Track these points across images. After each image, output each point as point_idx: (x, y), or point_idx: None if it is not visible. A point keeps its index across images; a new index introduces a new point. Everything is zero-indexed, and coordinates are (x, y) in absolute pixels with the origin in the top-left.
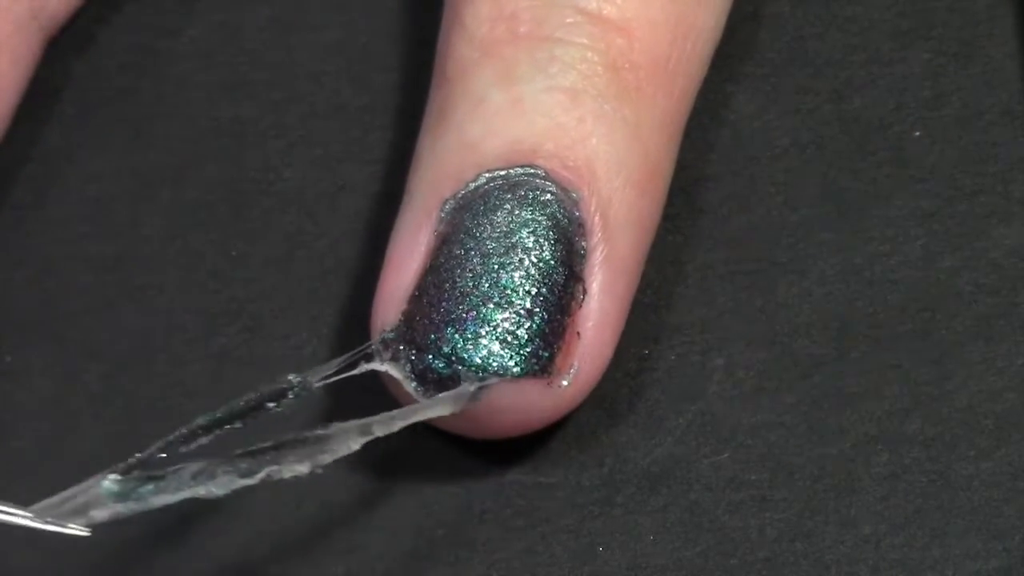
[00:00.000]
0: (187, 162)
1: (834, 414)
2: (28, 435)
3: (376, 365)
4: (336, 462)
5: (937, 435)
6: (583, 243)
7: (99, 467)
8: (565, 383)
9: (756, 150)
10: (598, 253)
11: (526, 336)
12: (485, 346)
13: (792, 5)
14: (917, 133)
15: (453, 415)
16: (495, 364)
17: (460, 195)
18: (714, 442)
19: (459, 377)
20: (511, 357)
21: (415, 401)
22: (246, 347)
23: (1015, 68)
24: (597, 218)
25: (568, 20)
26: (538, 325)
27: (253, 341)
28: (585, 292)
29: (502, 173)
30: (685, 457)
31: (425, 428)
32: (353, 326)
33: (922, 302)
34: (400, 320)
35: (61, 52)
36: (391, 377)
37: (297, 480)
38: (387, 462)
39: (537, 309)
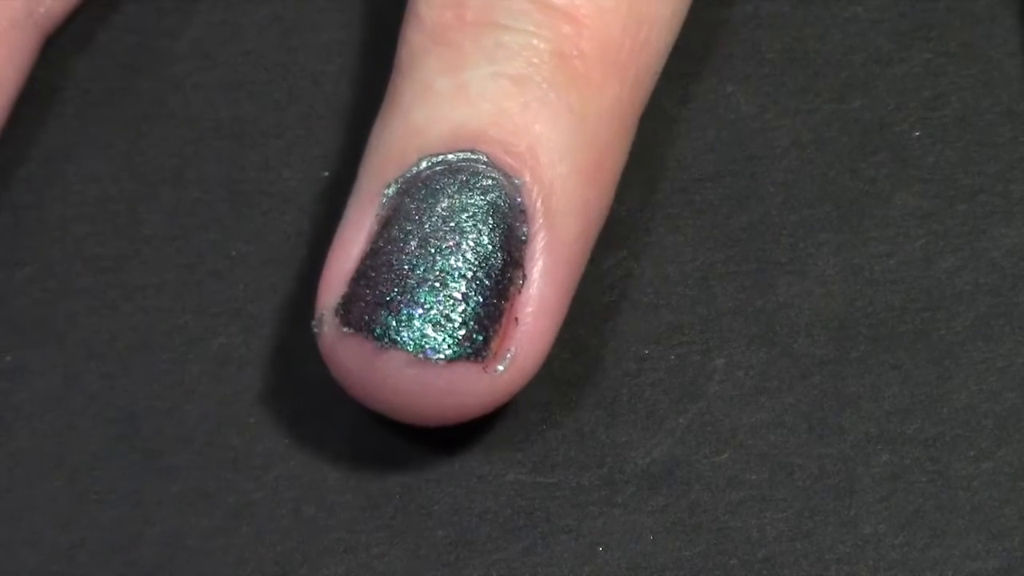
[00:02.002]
0: (187, 162)
1: (834, 414)
2: (28, 435)
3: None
4: (336, 462)
5: (937, 435)
6: (524, 229)
7: (99, 467)
8: (501, 368)
9: (756, 150)
10: (539, 239)
11: (460, 320)
12: (418, 328)
13: (792, 5)
14: (917, 133)
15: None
16: (427, 346)
17: (402, 179)
18: (714, 442)
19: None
20: (444, 340)
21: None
22: (246, 347)
23: (1015, 68)
24: (539, 204)
25: (515, 7)
26: (473, 309)
27: (253, 341)
28: (525, 278)
29: (444, 158)
30: (685, 457)
31: (424, 428)
32: None
33: (922, 302)
34: (338, 303)
35: (61, 52)
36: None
37: (297, 480)
38: (387, 462)
39: (472, 293)
